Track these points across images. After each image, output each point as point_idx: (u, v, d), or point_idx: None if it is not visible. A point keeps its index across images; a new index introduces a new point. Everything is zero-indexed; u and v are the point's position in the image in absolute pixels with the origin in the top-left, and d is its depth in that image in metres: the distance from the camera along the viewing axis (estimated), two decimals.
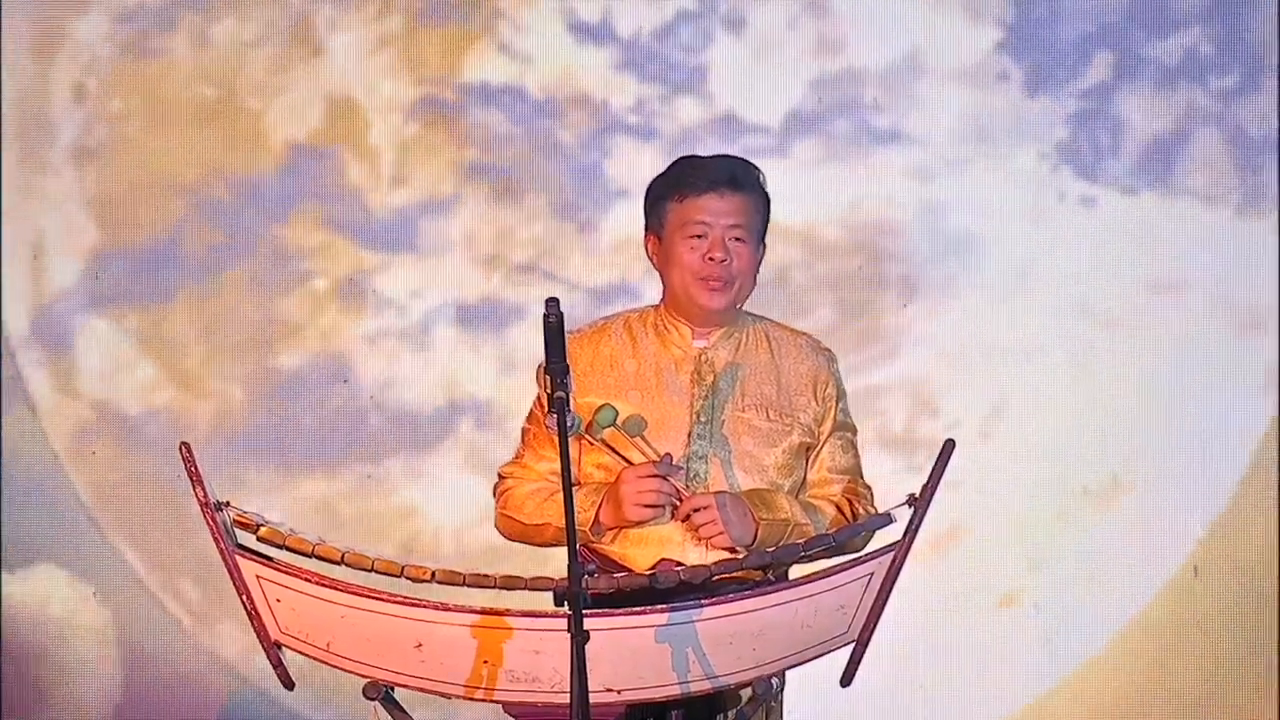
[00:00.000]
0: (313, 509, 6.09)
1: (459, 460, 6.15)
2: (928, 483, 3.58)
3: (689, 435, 3.87)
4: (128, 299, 6.21)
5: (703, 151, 4.08)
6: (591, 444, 3.81)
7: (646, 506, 3.77)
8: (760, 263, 3.96)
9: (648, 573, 3.68)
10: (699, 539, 3.81)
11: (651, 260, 4.00)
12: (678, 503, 3.79)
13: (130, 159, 6.20)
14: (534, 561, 3.96)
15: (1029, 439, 6.19)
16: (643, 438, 3.83)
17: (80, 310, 6.21)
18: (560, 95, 6.19)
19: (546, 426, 3.63)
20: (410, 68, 6.19)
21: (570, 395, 3.55)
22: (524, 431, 4.02)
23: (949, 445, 3.59)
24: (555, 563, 3.64)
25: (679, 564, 3.78)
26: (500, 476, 4.01)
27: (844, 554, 3.72)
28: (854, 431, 4.04)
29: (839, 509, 3.94)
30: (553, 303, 3.54)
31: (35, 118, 6.20)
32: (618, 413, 3.79)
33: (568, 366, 3.54)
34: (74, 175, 6.21)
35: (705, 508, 3.78)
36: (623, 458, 3.82)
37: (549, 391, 3.54)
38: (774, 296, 5.96)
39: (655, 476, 3.77)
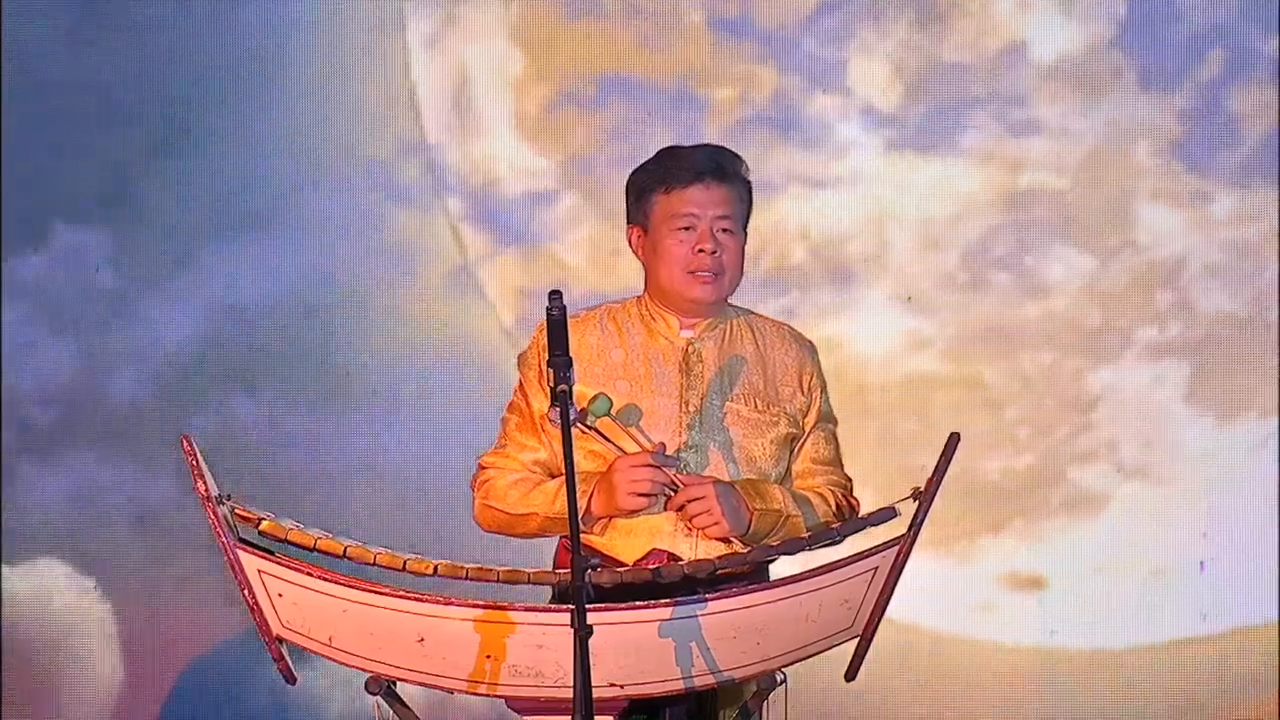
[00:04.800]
0: None
1: None
2: (932, 477, 3.53)
3: (679, 425, 3.83)
4: (551, 131, 6.23)
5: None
6: (584, 432, 3.73)
7: (641, 495, 3.72)
8: (744, 252, 3.92)
9: (651, 567, 3.65)
10: (692, 529, 3.76)
11: (636, 253, 3.95)
12: (671, 492, 3.75)
13: None
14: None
15: None
16: (638, 427, 3.80)
17: (503, 141, 6.23)
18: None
19: (550, 419, 3.63)
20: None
21: (574, 388, 3.54)
22: (504, 421, 3.95)
23: (954, 439, 3.53)
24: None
25: (671, 555, 3.75)
26: (481, 467, 3.94)
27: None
28: (835, 423, 3.99)
29: (825, 500, 3.88)
30: (556, 295, 3.53)
31: None
32: (612, 402, 3.74)
33: (570, 360, 3.53)
34: (499, 6, 6.23)
35: (702, 497, 3.73)
36: (616, 446, 3.77)
37: (552, 385, 3.53)
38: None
39: (650, 465, 3.73)
